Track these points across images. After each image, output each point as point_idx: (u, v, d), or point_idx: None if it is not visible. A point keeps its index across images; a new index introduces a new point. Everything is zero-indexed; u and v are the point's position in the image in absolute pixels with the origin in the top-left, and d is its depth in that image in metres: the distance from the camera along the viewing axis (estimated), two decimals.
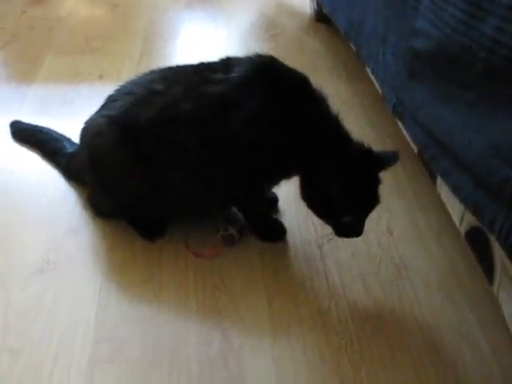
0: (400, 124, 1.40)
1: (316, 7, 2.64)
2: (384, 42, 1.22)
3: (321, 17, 2.60)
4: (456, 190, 1.06)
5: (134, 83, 1.52)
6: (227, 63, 1.43)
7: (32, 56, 2.46)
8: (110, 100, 1.54)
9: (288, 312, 1.35)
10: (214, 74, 1.41)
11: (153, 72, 1.53)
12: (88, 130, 1.52)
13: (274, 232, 1.58)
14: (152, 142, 1.42)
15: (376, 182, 1.36)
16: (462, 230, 1.25)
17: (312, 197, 1.39)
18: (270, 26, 2.76)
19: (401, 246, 1.53)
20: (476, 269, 1.27)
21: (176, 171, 1.44)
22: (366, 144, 1.37)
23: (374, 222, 1.59)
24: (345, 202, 1.33)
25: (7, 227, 1.58)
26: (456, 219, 1.28)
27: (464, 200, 1.04)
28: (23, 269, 1.46)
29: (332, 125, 1.39)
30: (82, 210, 1.62)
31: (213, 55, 1.48)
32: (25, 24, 2.76)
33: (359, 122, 2.01)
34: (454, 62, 0.93)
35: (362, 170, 1.31)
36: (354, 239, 1.49)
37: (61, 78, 2.32)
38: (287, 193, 1.63)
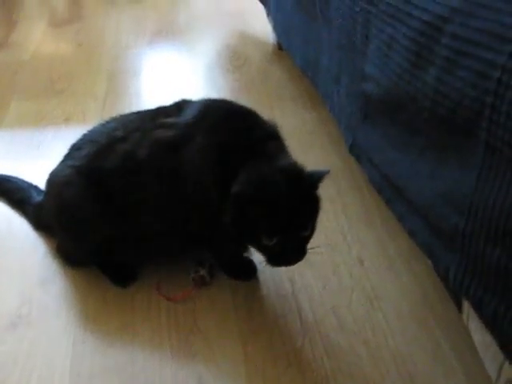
0: None
1: (275, 36, 2.67)
2: (338, 83, 1.24)
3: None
4: (412, 234, 1.07)
5: (96, 131, 1.55)
6: (180, 106, 1.45)
7: None
8: (75, 149, 1.56)
9: (262, 353, 1.36)
10: (166, 118, 1.43)
11: (114, 119, 1.55)
12: (54, 181, 1.54)
13: (244, 271, 1.58)
14: (117, 189, 1.44)
15: (301, 201, 1.27)
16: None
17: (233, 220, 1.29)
18: (234, 56, 2.78)
19: (372, 275, 1.54)
20: (448, 295, 1.28)
21: (142, 215, 1.44)
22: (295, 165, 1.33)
23: (345, 253, 1.61)
24: (261, 222, 1.25)
25: None
26: None
27: (420, 245, 1.06)
28: None
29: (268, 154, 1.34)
30: (53, 260, 1.62)
31: (178, 90, 1.49)
32: None
33: (326, 151, 2.03)
34: (403, 108, 0.94)
35: (276, 188, 1.25)
36: (326, 271, 1.51)
37: (26, 123, 2.31)
38: None
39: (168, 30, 3.11)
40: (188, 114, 1.41)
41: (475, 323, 1.12)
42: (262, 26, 2.98)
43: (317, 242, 1.60)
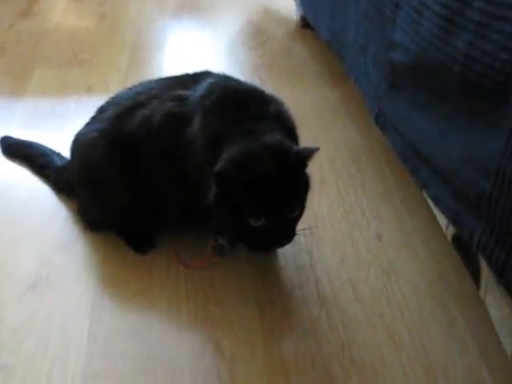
0: None
1: (302, 14, 2.66)
2: (364, 53, 1.23)
3: (307, 23, 2.61)
4: (436, 201, 1.07)
5: (122, 94, 1.57)
6: (199, 78, 1.47)
7: (20, 70, 2.47)
8: (100, 111, 1.58)
9: (279, 321, 1.37)
10: (183, 89, 1.44)
11: (140, 84, 1.57)
12: (79, 142, 1.56)
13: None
14: (135, 154, 1.45)
15: (287, 179, 1.24)
16: (449, 235, 1.27)
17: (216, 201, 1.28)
18: (256, 33, 2.77)
19: (390, 251, 1.54)
20: (465, 272, 1.28)
21: (155, 183, 1.46)
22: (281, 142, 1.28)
23: (363, 227, 1.61)
24: (245, 202, 1.23)
25: None
26: (443, 224, 1.30)
27: (444, 211, 1.06)
28: (16, 285, 1.47)
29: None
30: (73, 224, 1.63)
31: (200, 64, 1.50)
32: (12, 38, 2.77)
33: (347, 129, 2.03)
34: (432, 75, 0.94)
35: (259, 165, 1.23)
36: (344, 245, 1.52)
37: (49, 92, 2.32)
38: None
39: (192, 5, 3.11)
40: (198, 91, 1.41)
41: (493, 298, 1.12)
42: (285, 2, 2.97)
43: (336, 217, 1.63)
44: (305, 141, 1.93)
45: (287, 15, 2.93)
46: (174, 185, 1.43)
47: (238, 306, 1.40)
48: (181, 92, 1.43)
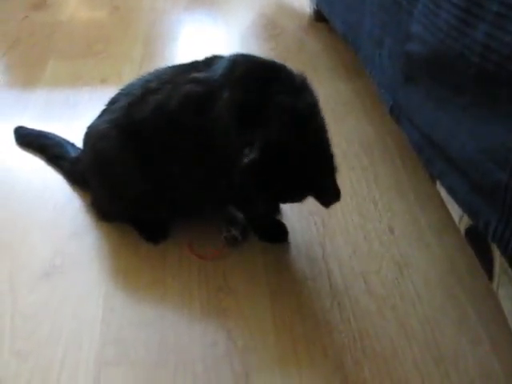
0: None
1: (315, 7, 2.65)
2: (380, 45, 1.23)
3: (320, 16, 2.61)
4: (451, 192, 1.07)
5: (132, 84, 1.56)
6: (211, 62, 1.46)
7: (34, 61, 2.48)
8: (111, 103, 1.58)
9: (291, 312, 1.37)
10: (197, 72, 1.44)
11: (149, 73, 1.56)
12: (91, 134, 1.56)
13: (275, 233, 1.59)
14: (149, 141, 1.45)
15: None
16: (462, 228, 1.27)
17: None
18: (269, 25, 2.77)
19: (402, 244, 1.55)
20: (476, 265, 1.28)
21: (172, 169, 1.46)
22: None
23: (376, 220, 1.61)
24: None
25: (13, 231, 1.60)
26: (456, 217, 1.30)
27: (459, 202, 1.06)
28: (29, 273, 1.48)
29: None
30: (87, 214, 1.64)
31: None
32: (26, 29, 2.78)
33: (360, 122, 2.03)
34: (448, 67, 0.94)
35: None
36: (356, 238, 1.53)
37: (63, 83, 2.33)
38: None
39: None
40: (217, 70, 1.41)
41: (505, 291, 1.12)
42: None
43: (348, 209, 1.63)
44: None
45: (300, 8, 2.93)
46: (195, 165, 1.43)
47: (250, 296, 1.41)
48: (196, 75, 1.43)
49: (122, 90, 1.58)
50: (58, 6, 3.06)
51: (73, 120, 2.04)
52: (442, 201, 1.39)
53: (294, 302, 1.40)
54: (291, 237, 1.56)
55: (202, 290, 1.43)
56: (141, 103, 1.47)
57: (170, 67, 1.56)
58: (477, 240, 1.17)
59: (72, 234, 1.59)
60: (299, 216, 1.62)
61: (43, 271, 1.48)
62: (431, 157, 1.05)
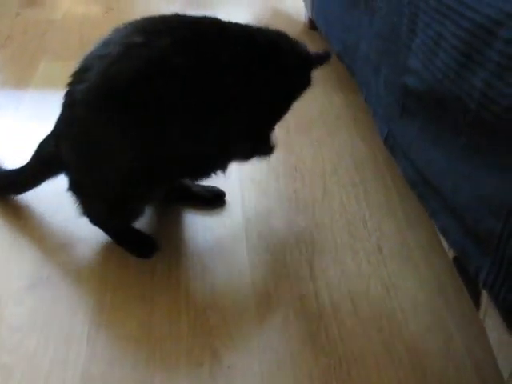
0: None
1: (311, 16, 2.65)
2: (377, 72, 1.22)
3: (315, 25, 2.60)
4: (444, 232, 1.07)
5: (105, 43, 1.38)
6: (220, 28, 1.47)
7: (26, 61, 2.46)
8: (82, 71, 1.39)
9: (278, 331, 1.37)
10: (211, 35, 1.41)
11: (125, 26, 1.40)
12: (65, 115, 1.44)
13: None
14: (141, 101, 1.30)
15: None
16: (450, 254, 1.27)
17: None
18: None
19: (390, 264, 1.55)
20: (463, 290, 1.29)
21: (175, 128, 1.36)
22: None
23: (365, 239, 1.62)
24: None
25: (0, 241, 1.59)
26: (445, 243, 1.30)
27: (451, 243, 1.06)
28: (16, 284, 1.47)
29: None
30: (75, 224, 1.63)
31: None
32: (19, 27, 2.76)
33: (352, 137, 2.03)
34: (445, 107, 0.93)
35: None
36: (345, 256, 1.54)
37: (55, 84, 2.29)
38: (280, 211, 1.66)
39: (199, 1, 3.10)
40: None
41: (492, 321, 1.13)
42: (294, 2, 2.96)
43: (337, 227, 1.64)
44: (310, 146, 1.95)
45: (295, 16, 2.93)
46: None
47: (237, 315, 1.41)
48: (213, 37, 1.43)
49: (90, 52, 1.42)
50: (51, 4, 3.05)
51: None
52: (431, 222, 1.39)
53: (281, 321, 1.40)
54: (279, 255, 1.56)
55: (190, 308, 1.42)
56: (126, 60, 1.29)
57: (155, 17, 1.43)
58: (465, 270, 1.18)
59: (60, 244, 1.58)
60: (286, 236, 1.62)
61: (30, 282, 1.47)
62: (425, 194, 1.04)
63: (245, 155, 1.60)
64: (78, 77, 1.39)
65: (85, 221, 1.61)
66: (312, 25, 2.71)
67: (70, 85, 1.42)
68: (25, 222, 1.66)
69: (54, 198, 1.72)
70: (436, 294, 1.48)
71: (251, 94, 1.42)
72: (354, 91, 2.18)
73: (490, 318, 1.13)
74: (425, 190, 1.04)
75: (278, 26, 2.37)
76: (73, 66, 2.35)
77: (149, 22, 1.40)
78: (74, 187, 1.50)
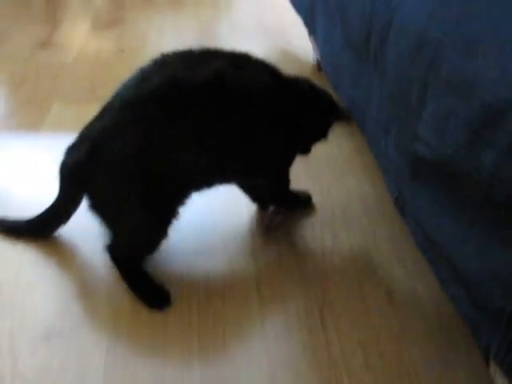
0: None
1: (319, 58, 2.68)
2: (387, 134, 1.24)
3: None
4: (454, 301, 1.07)
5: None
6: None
7: (39, 103, 2.50)
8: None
9: (289, 382, 1.38)
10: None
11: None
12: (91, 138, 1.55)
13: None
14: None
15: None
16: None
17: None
18: None
19: (400, 314, 1.56)
20: (474, 343, 1.29)
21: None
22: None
23: (375, 287, 1.62)
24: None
25: (15, 288, 1.61)
26: None
27: (461, 313, 1.06)
28: (30, 334, 1.48)
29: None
30: (88, 273, 1.65)
31: None
32: (32, 68, 2.81)
33: (360, 181, 2.05)
34: (456, 180, 0.93)
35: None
36: (355, 305, 1.54)
37: (67, 127, 2.33)
38: (290, 258, 1.68)
39: (209, 41, 3.14)
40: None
41: (502, 380, 1.13)
42: (303, 43, 3.00)
43: (348, 276, 1.65)
44: (319, 192, 1.97)
45: (304, 57, 2.97)
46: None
47: (248, 364, 1.42)
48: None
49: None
50: (63, 46, 3.10)
51: None
52: None
53: (292, 373, 1.41)
54: (289, 303, 1.57)
55: (202, 358, 1.43)
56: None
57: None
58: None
59: (73, 294, 1.59)
60: (298, 283, 1.64)
61: (44, 332, 1.48)
62: (435, 260, 1.04)
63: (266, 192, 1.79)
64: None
65: (98, 271, 1.63)
66: (320, 66, 2.74)
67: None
68: (40, 271, 1.68)
69: (68, 246, 1.74)
70: (446, 346, 1.48)
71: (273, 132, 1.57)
72: (362, 135, 2.21)
73: (500, 378, 1.14)
74: (435, 256, 1.03)
75: (287, 66, 2.42)
76: (84, 110, 2.41)
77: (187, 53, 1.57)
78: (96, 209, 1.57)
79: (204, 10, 3.68)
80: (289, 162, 1.76)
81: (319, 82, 2.67)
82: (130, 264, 1.63)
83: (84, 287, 1.62)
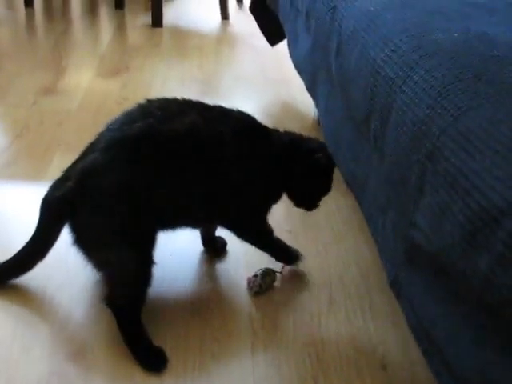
0: None
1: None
2: (384, 214, 1.25)
3: None
4: None
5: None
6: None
7: (41, 153, 2.52)
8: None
9: None
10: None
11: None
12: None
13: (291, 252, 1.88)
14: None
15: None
16: None
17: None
18: (273, 126, 2.83)
19: (394, 382, 1.56)
20: None
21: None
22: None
23: (370, 355, 1.63)
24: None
25: (10, 346, 1.61)
26: None
27: None
28: None
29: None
30: (84, 334, 1.65)
31: None
32: (35, 116, 2.84)
33: (358, 243, 2.07)
34: (451, 275, 0.94)
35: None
36: (350, 374, 1.55)
37: None
38: (286, 322, 1.69)
39: (212, 93, 3.19)
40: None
41: None
42: (304, 97, 3.04)
43: (342, 341, 1.66)
44: (316, 253, 1.98)
45: (305, 111, 3.01)
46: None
47: None
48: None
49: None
50: (67, 93, 3.13)
51: None
52: None
53: None
54: (283, 370, 1.58)
55: None
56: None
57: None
58: None
59: (69, 353, 1.59)
60: (293, 347, 1.64)
61: None
62: (429, 351, 1.04)
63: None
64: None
65: (94, 330, 1.64)
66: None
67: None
68: (35, 326, 1.68)
69: (65, 303, 1.75)
70: None
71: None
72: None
73: None
74: (429, 347, 1.03)
75: (288, 120, 2.46)
76: None
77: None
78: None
79: (208, 59, 3.74)
80: (259, 211, 1.84)
81: (320, 136, 2.72)
82: (128, 316, 1.64)
83: (79, 349, 1.61)
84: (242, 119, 1.81)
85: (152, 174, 1.57)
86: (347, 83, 1.51)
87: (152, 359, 1.59)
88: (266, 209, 1.84)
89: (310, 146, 1.84)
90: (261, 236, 1.87)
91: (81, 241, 1.61)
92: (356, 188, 1.52)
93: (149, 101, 1.71)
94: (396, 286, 1.17)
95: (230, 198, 1.71)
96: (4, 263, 1.75)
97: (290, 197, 1.87)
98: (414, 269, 1.09)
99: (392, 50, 1.27)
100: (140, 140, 1.56)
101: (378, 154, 1.28)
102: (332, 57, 1.67)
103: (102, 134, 1.67)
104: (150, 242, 1.62)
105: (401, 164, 1.12)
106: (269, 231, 1.86)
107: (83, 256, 1.62)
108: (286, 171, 1.79)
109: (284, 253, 1.92)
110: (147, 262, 1.62)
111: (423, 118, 1.04)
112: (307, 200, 1.90)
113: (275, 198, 1.85)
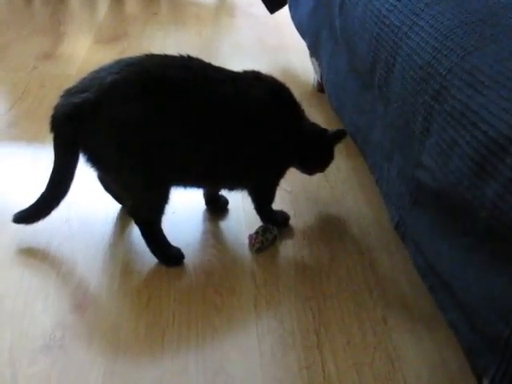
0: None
1: (319, 79, 2.72)
2: (389, 160, 1.27)
3: (324, 88, 2.67)
4: (452, 326, 1.08)
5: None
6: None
7: (42, 115, 2.51)
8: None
9: None
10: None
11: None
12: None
13: (173, 256, 1.79)
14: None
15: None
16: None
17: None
18: None
19: (394, 335, 1.58)
20: (466, 364, 1.32)
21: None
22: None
23: (370, 309, 1.65)
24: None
25: (15, 299, 1.63)
26: None
27: (459, 338, 1.08)
28: (30, 344, 1.50)
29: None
30: (88, 286, 1.67)
31: None
32: (35, 80, 2.84)
33: (358, 203, 2.08)
34: (457, 209, 0.96)
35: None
36: (351, 326, 1.57)
37: None
38: (288, 278, 1.70)
39: (211, 60, 3.15)
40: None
41: None
42: (304, 64, 3.04)
43: (344, 296, 1.67)
44: (317, 213, 1.99)
45: (305, 77, 3.01)
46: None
47: (243, 381, 1.44)
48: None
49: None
50: (66, 58, 3.13)
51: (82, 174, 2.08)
52: None
53: None
54: (287, 323, 1.60)
55: (199, 374, 1.45)
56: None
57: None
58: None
59: (73, 305, 1.61)
60: (295, 301, 1.66)
61: (43, 344, 1.50)
62: (434, 286, 1.06)
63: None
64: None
65: (97, 283, 1.66)
66: (320, 87, 2.77)
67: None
68: (39, 280, 1.70)
69: (69, 258, 1.76)
70: (440, 367, 1.51)
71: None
72: (360, 156, 2.24)
73: None
74: (435, 282, 1.05)
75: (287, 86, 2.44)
76: None
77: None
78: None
79: (206, 28, 3.73)
80: (278, 175, 1.90)
81: (319, 102, 2.73)
82: (150, 227, 1.76)
83: (83, 300, 1.63)
84: (273, 84, 1.91)
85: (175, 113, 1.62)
86: (351, 37, 1.52)
87: (172, 257, 1.76)
88: (283, 174, 1.91)
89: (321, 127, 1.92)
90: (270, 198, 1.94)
91: (95, 160, 1.68)
92: (360, 140, 1.54)
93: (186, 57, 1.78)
94: (401, 229, 1.19)
95: (256, 160, 1.77)
96: (31, 205, 1.78)
97: (301, 165, 1.95)
98: (420, 209, 1.11)
99: (397, 0, 1.28)
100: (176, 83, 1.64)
101: (382, 103, 1.30)
102: (335, 13, 1.68)
103: (118, 62, 1.78)
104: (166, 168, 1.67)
105: (406, 108, 1.13)
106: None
107: (98, 172, 1.78)
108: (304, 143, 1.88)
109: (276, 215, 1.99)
110: (163, 184, 1.70)
111: (430, 60, 1.06)
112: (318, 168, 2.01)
113: (290, 165, 1.92)
